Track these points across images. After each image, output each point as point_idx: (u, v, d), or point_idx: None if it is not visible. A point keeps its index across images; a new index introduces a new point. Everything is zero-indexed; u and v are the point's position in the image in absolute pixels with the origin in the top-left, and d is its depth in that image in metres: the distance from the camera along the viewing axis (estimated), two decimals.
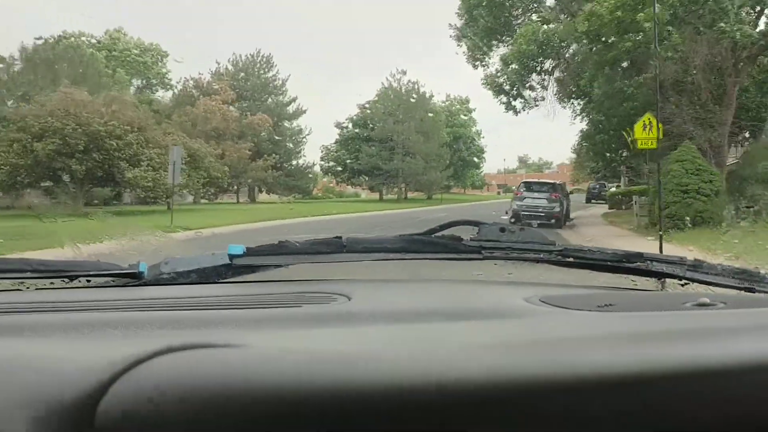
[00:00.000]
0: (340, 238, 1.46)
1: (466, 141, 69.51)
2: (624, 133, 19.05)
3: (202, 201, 44.59)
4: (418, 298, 1.29)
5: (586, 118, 26.60)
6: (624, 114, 20.41)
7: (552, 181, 25.06)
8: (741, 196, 17.25)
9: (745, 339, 0.76)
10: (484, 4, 22.82)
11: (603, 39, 17.76)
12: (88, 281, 1.42)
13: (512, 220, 19.43)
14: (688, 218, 16.28)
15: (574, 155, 52.71)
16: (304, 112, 58.19)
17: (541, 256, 1.46)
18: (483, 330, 0.92)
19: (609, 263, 1.44)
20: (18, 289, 1.40)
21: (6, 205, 28.73)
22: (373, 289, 1.41)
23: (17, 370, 0.66)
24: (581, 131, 33.86)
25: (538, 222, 19.88)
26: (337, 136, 57.80)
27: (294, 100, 58.04)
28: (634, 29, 16.77)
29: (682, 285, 1.40)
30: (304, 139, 57.68)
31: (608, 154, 25.84)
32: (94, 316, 1.06)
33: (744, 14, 17.86)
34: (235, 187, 52.23)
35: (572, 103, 26.67)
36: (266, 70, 57.26)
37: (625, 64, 19.29)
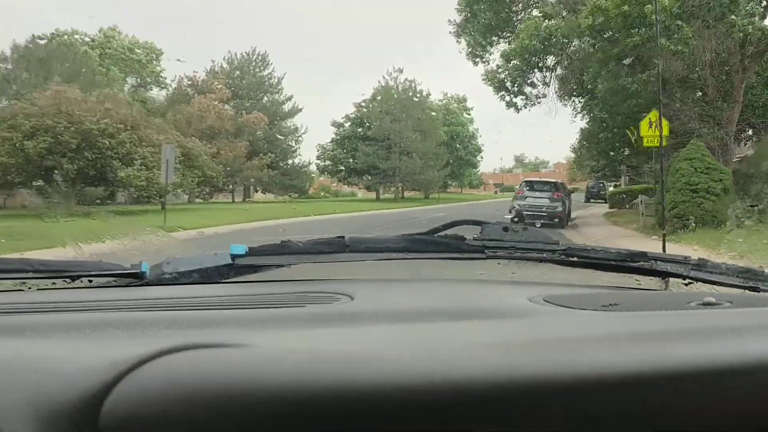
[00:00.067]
0: (343, 237, 1.45)
1: (464, 140, 69.09)
2: (628, 132, 18.62)
3: (197, 200, 44.19)
4: (421, 297, 1.28)
5: (587, 116, 26.21)
6: (628, 111, 19.97)
7: (554, 180, 24.67)
8: (746, 195, 16.84)
9: (752, 338, 0.76)
10: None
11: (609, 34, 17.30)
12: (90, 281, 1.41)
13: (516, 219, 18.96)
14: (692, 218, 15.84)
15: (570, 155, 52.59)
16: (300, 110, 57.63)
17: (545, 255, 1.45)
18: (487, 330, 0.91)
19: (613, 263, 1.44)
20: (20, 290, 1.39)
21: None
22: (376, 289, 1.41)
23: (21, 370, 0.67)
24: (581, 130, 33.57)
25: (541, 222, 19.42)
26: (334, 135, 57.36)
27: (290, 98, 57.51)
28: (641, 24, 16.28)
29: (686, 284, 1.40)
30: (300, 138, 57.25)
31: (612, 153, 25.34)
32: (96, 317, 1.06)
33: (751, 7, 17.39)
34: (231, 187, 51.71)
35: (573, 101, 26.29)
36: (262, 68, 56.71)
37: (629, 60, 18.80)
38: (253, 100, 54.92)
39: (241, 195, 53.53)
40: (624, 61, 18.69)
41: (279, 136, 55.42)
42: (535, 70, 23.15)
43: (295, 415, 0.59)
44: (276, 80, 57.06)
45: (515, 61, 21.81)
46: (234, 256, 1.41)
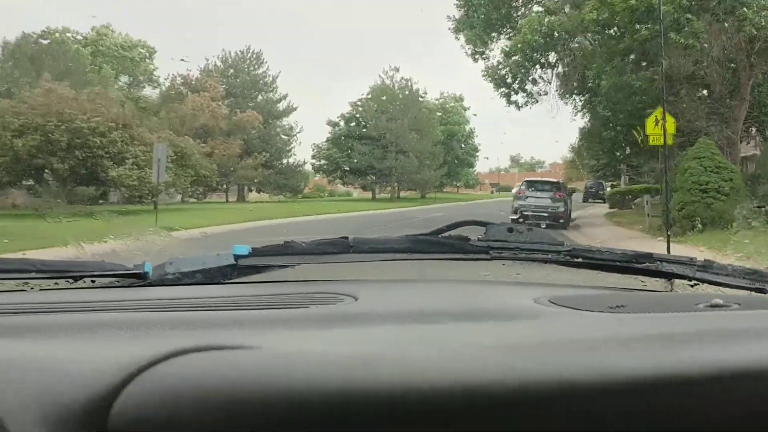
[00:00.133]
0: (347, 238, 1.45)
1: (461, 139, 68.69)
2: (634, 132, 18.14)
3: (191, 200, 43.83)
4: (426, 298, 1.27)
5: (588, 114, 25.70)
6: (632, 109, 19.44)
7: (556, 180, 24.20)
8: (753, 196, 16.35)
9: (762, 340, 0.77)
10: None
11: (614, 29, 16.78)
12: (93, 282, 1.41)
13: (521, 219, 18.46)
14: (698, 219, 15.36)
15: (567, 155, 52.40)
16: (295, 109, 57.06)
17: (550, 256, 1.45)
18: (493, 331, 0.91)
19: (618, 264, 1.44)
20: (22, 290, 1.38)
21: None
22: (380, 290, 1.40)
23: (28, 371, 0.67)
24: (580, 129, 33.10)
25: (546, 223, 18.90)
26: (329, 134, 56.78)
27: (285, 97, 56.99)
28: (648, 18, 15.75)
29: (692, 286, 1.39)
30: (295, 137, 56.72)
31: (618, 153, 24.80)
32: (100, 317, 1.06)
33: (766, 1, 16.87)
34: (225, 186, 51.27)
35: (574, 99, 25.79)
36: (256, 66, 56.17)
37: (634, 56, 18.28)
38: (248, 98, 54.38)
39: (235, 195, 53.07)
40: (629, 57, 18.14)
41: (281, 136, 54.92)
42: (537, 66, 22.61)
43: (305, 416, 0.59)
44: (271, 78, 56.61)
45: (516, 57, 21.25)
46: (237, 257, 1.40)
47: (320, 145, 56.92)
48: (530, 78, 23.12)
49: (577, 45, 21.15)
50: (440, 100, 70.15)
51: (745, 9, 15.86)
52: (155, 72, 57.24)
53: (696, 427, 0.63)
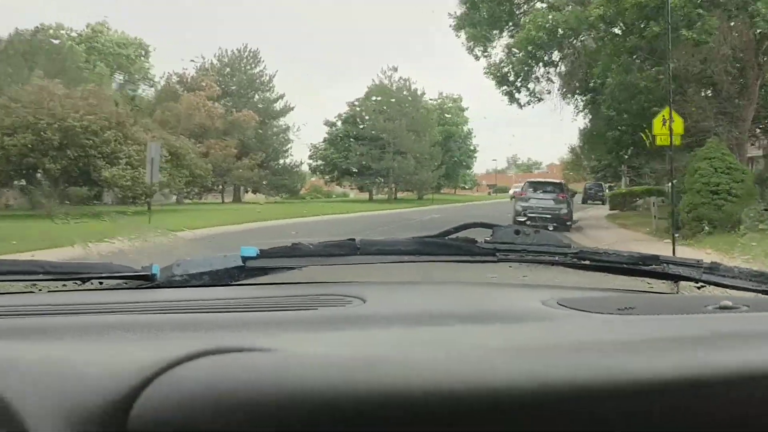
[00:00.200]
0: (354, 240, 1.45)
1: (458, 140, 68.27)
2: (642, 134, 17.69)
3: (186, 201, 43.49)
4: (434, 300, 1.28)
5: (590, 114, 25.22)
6: (638, 108, 18.97)
7: (558, 181, 23.73)
8: (761, 198, 15.91)
9: None
10: None
11: (622, 26, 16.30)
12: (101, 283, 1.41)
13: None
14: (705, 222, 14.92)
15: (564, 156, 52.08)
16: (292, 109, 56.70)
17: (557, 258, 1.45)
18: (503, 333, 0.91)
19: (625, 266, 1.44)
20: (30, 292, 1.38)
21: None
22: (387, 292, 1.40)
23: (47, 373, 0.67)
24: (580, 129, 32.64)
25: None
26: (326, 135, 56.30)
27: (282, 96, 56.58)
28: (657, 14, 15.28)
29: (699, 288, 1.40)
30: (292, 137, 56.30)
31: (621, 153, 24.30)
32: (109, 319, 1.07)
33: None
34: (221, 187, 50.82)
35: (576, 99, 25.33)
36: (253, 65, 55.72)
37: (640, 54, 17.80)
38: (244, 98, 53.96)
39: (231, 195, 52.60)
40: (636, 55, 17.66)
41: (278, 136, 54.47)
42: (540, 64, 22.12)
43: (322, 418, 0.59)
44: (267, 78, 56.23)
45: (520, 54, 20.76)
46: (245, 258, 1.40)
47: (317, 146, 56.62)
48: (533, 76, 22.67)
49: (581, 42, 20.68)
50: (438, 101, 69.80)
51: (758, 4, 15.36)
52: (151, 70, 56.70)
53: (707, 429, 0.63)
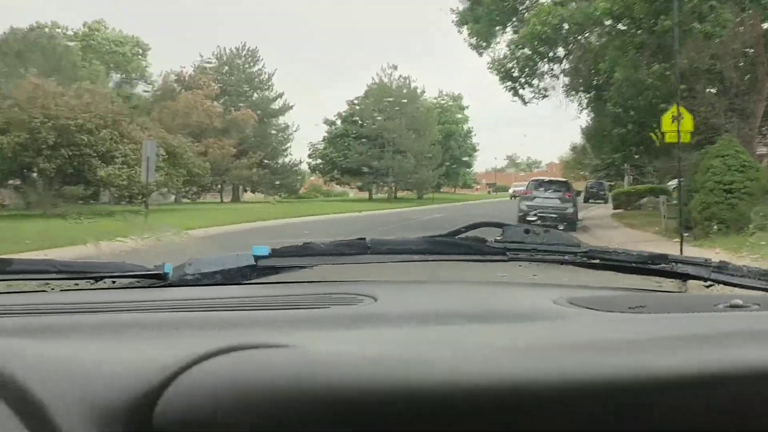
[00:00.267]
0: (364, 239, 1.46)
1: (458, 139, 67.84)
2: (652, 134, 17.22)
3: (184, 200, 43.15)
4: (445, 299, 1.29)
5: (594, 112, 24.72)
6: (645, 105, 18.49)
7: (564, 180, 23.28)
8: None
9: None
10: None
11: (630, 20, 15.82)
12: (114, 282, 1.42)
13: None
14: (714, 221, 14.48)
15: (563, 155, 51.78)
16: (291, 107, 56.38)
17: (567, 257, 1.46)
18: (514, 332, 0.91)
19: (634, 265, 1.44)
20: (43, 291, 1.39)
21: None
22: (398, 291, 1.42)
23: (73, 371, 0.68)
24: (582, 128, 32.17)
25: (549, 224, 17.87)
26: (326, 133, 55.88)
27: (281, 95, 56.18)
28: (667, 9, 14.79)
29: (707, 287, 1.40)
30: (291, 136, 55.87)
31: (628, 150, 23.80)
32: (123, 318, 1.08)
33: None
34: (219, 186, 50.48)
35: (579, 96, 24.86)
36: (251, 64, 55.30)
37: (649, 49, 17.31)
38: (243, 96, 53.61)
39: (229, 195, 52.25)
40: (646, 50, 17.17)
41: (277, 135, 54.10)
42: (545, 60, 21.63)
43: (346, 414, 0.60)
44: (266, 76, 55.83)
45: (525, 49, 20.27)
46: (257, 257, 1.40)
47: (317, 145, 56.28)
48: (538, 72, 22.17)
49: (588, 38, 20.22)
50: (438, 99, 69.38)
51: None
52: (148, 69, 56.12)
53: (720, 427, 0.63)
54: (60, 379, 0.66)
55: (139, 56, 55.41)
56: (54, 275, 1.38)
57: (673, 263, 1.43)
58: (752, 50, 17.46)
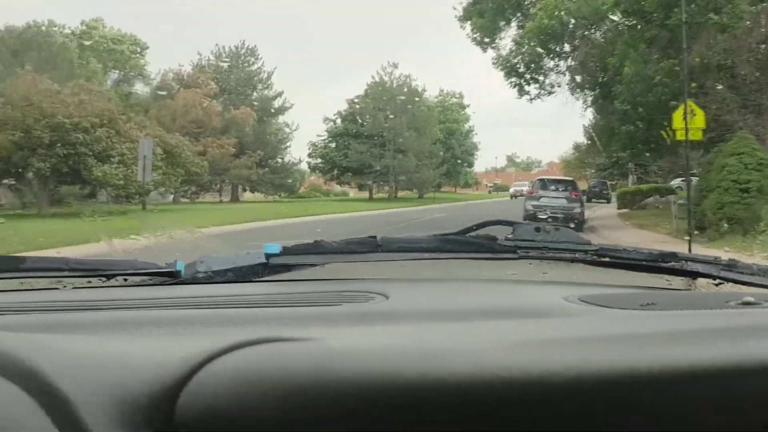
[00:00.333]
0: (375, 237, 1.46)
1: (459, 138, 67.36)
2: (663, 133, 16.73)
3: (183, 200, 42.76)
4: (456, 297, 1.29)
5: (601, 108, 24.20)
6: (654, 101, 17.97)
7: (571, 179, 22.76)
8: None
9: None
10: None
11: (641, 13, 15.30)
12: (125, 280, 1.42)
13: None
14: (725, 221, 13.99)
15: (563, 154, 51.24)
16: (291, 106, 56.00)
17: (577, 255, 1.46)
18: (525, 328, 0.91)
19: (644, 263, 1.45)
20: (55, 288, 1.39)
21: None
22: (409, 289, 1.43)
23: (88, 365, 0.68)
24: (585, 126, 31.70)
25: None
26: (325, 132, 55.37)
27: (280, 94, 55.74)
28: (678, 2, 14.29)
29: (716, 285, 1.40)
30: (291, 135, 55.43)
31: (636, 148, 23.26)
32: (136, 315, 1.08)
33: None
34: (218, 186, 49.96)
35: (585, 93, 24.36)
36: (251, 62, 54.87)
37: (660, 43, 16.79)
38: (242, 95, 53.15)
39: (229, 194, 51.78)
40: (657, 45, 16.65)
41: (277, 134, 53.69)
42: (552, 55, 21.12)
43: (368, 406, 0.60)
44: (266, 75, 55.37)
45: (531, 44, 19.76)
46: (268, 255, 1.41)
47: (316, 144, 55.65)
48: (545, 68, 21.67)
49: (595, 33, 19.72)
50: (439, 98, 68.85)
51: None
52: (147, 67, 55.62)
53: (735, 422, 0.63)
54: (83, 372, 0.66)
55: (137, 54, 54.92)
56: (67, 273, 1.38)
57: (683, 261, 1.43)
58: (765, 46, 16.92)
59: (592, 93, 23.72)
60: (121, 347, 0.78)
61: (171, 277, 1.41)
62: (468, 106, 71.53)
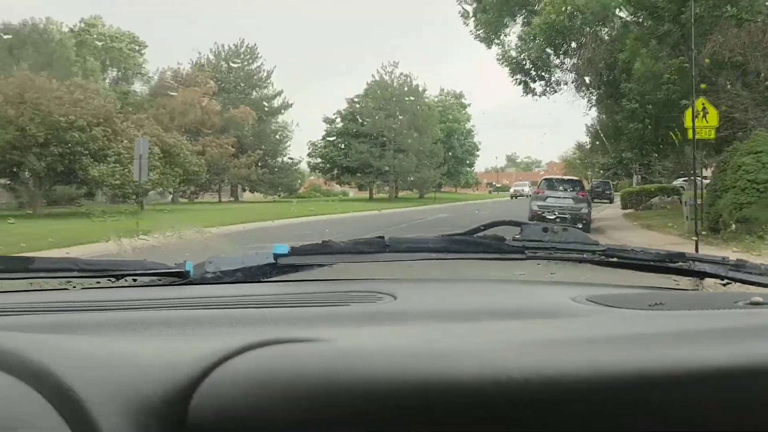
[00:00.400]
0: (383, 238, 1.47)
1: (460, 138, 66.94)
2: (672, 134, 16.27)
3: (182, 200, 42.36)
4: (464, 297, 1.30)
5: (606, 106, 23.76)
6: (665, 100, 17.51)
7: (578, 178, 22.27)
8: None
9: None
10: None
11: (653, 8, 14.84)
12: (135, 280, 1.43)
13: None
14: (732, 222, 13.52)
15: (564, 154, 50.89)
16: (290, 105, 55.75)
17: (585, 256, 1.46)
18: (536, 328, 0.91)
19: (652, 263, 1.44)
20: (65, 289, 1.41)
21: None
22: (417, 289, 1.43)
23: (99, 366, 0.68)
24: (587, 126, 31.24)
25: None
26: (325, 132, 54.96)
27: (280, 93, 55.37)
28: None
29: (724, 285, 1.40)
30: (291, 135, 55.06)
31: (645, 147, 22.80)
32: (145, 315, 1.08)
33: None
34: (217, 185, 49.55)
35: (590, 92, 23.91)
36: (250, 61, 54.50)
37: (671, 39, 16.35)
38: (241, 94, 52.77)
39: (228, 194, 51.35)
40: (668, 40, 16.19)
41: (279, 133, 53.39)
42: (560, 52, 20.65)
43: (378, 406, 0.61)
44: (265, 74, 55.06)
45: (538, 40, 19.26)
46: (277, 256, 1.41)
47: (316, 143, 55.26)
48: (552, 64, 21.19)
49: (603, 28, 19.26)
50: (440, 97, 68.42)
51: None
52: (145, 66, 55.20)
53: (744, 421, 0.63)
54: (95, 372, 0.65)
55: (136, 53, 54.46)
56: (76, 273, 1.37)
57: (691, 261, 1.42)
58: None
59: (598, 91, 23.27)
60: (130, 348, 0.78)
61: (180, 277, 1.41)
62: (469, 105, 71.17)
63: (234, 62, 53.22)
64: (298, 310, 1.12)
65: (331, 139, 54.23)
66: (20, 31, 39.23)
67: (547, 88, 22.19)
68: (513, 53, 21.00)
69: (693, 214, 15.78)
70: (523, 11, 21.01)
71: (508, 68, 21.18)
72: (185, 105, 42.99)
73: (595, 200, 44.94)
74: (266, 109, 53.90)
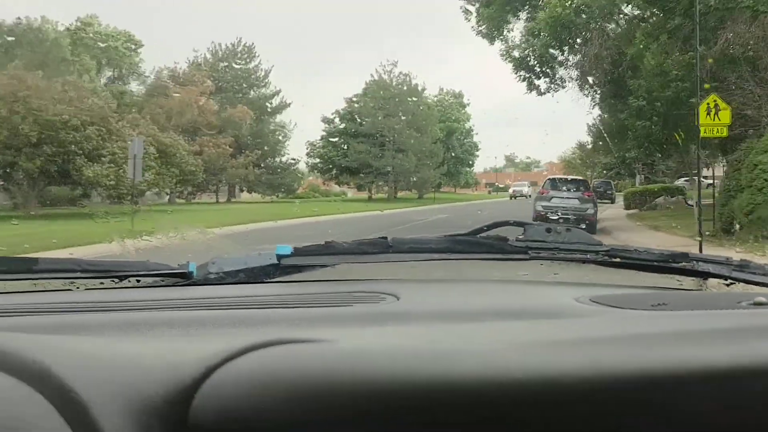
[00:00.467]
0: (386, 238, 1.47)
1: (459, 137, 66.51)
2: (676, 135, 15.83)
3: (178, 200, 41.93)
4: (466, 297, 1.29)
5: (611, 104, 23.28)
6: (672, 97, 17.03)
7: (583, 178, 21.78)
8: None
9: None
10: None
11: (666, 2, 14.37)
12: (138, 281, 1.43)
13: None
14: (737, 221, 13.08)
15: (563, 154, 50.55)
16: (289, 105, 55.38)
17: (588, 256, 1.46)
18: (538, 329, 0.91)
19: (656, 263, 1.44)
20: (68, 289, 1.41)
21: None
22: (420, 289, 1.44)
23: (101, 366, 0.68)
24: (589, 125, 30.79)
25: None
26: (324, 132, 54.52)
27: (278, 93, 54.94)
28: None
29: (728, 285, 1.40)
30: (289, 134, 54.71)
31: (653, 146, 22.31)
32: (149, 316, 1.09)
33: None
34: (215, 186, 49.08)
35: (594, 90, 23.44)
36: (248, 60, 54.05)
37: (682, 34, 15.86)
38: (239, 93, 52.34)
39: (225, 195, 50.99)
40: (679, 35, 15.71)
41: (277, 133, 52.96)
42: (565, 48, 20.16)
43: (381, 407, 0.61)
44: (263, 73, 54.63)
45: (543, 35, 18.75)
46: (279, 256, 1.41)
47: (314, 143, 54.91)
48: (557, 60, 20.70)
49: (610, 24, 18.79)
50: (439, 97, 67.96)
51: None
52: (142, 65, 54.68)
53: (748, 422, 0.63)
54: (96, 373, 0.65)
55: (132, 52, 53.94)
56: (79, 274, 1.37)
57: (694, 261, 1.42)
58: None
59: (603, 89, 22.79)
60: (133, 348, 0.78)
61: (183, 278, 1.41)
62: (468, 104, 70.73)
63: (237, 63, 52.83)
64: (301, 310, 1.13)
65: (331, 139, 53.80)
66: (14, 29, 38.79)
67: (552, 85, 21.72)
68: (517, 49, 20.52)
69: (697, 213, 15.37)
70: (527, 6, 20.53)
71: (512, 65, 20.71)
72: (182, 104, 42.62)
73: (597, 200, 44.68)
74: (265, 108, 53.44)
